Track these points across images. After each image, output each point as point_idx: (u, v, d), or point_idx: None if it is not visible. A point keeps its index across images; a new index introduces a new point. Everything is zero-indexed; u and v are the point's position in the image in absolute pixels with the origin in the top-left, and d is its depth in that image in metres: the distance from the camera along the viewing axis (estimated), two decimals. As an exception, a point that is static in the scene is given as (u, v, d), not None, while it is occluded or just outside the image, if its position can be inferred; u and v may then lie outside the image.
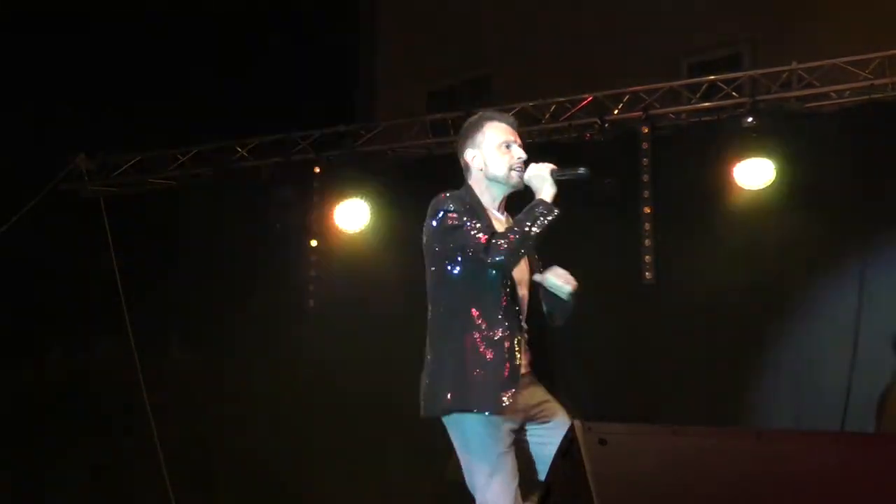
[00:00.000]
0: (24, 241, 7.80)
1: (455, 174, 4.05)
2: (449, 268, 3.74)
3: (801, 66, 6.88)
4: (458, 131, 4.09)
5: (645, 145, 7.06)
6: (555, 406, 3.85)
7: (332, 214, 7.77)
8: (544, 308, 3.92)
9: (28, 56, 7.99)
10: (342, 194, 7.69)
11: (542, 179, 3.78)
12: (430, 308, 3.83)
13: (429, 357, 3.77)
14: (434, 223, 3.76)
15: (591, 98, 7.29)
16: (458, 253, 3.72)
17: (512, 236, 3.65)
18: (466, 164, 3.93)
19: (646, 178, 7.01)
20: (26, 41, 8.00)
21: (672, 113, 7.26)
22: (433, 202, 3.80)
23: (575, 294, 3.83)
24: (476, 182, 3.90)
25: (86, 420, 8.06)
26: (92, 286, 8.16)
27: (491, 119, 3.95)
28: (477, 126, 3.94)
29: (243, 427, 8.05)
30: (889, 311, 6.53)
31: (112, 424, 8.12)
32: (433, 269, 3.79)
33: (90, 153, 8.38)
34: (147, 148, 8.33)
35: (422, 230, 3.86)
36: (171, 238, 8.21)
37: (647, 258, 6.96)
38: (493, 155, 3.87)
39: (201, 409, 8.17)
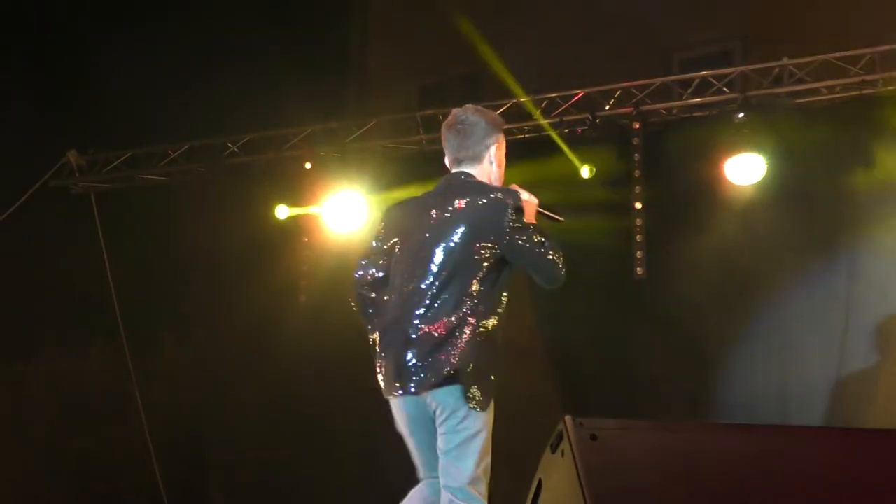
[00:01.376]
0: (14, 237, 7.77)
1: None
2: (499, 261, 3.70)
3: (792, 61, 6.89)
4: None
5: (636, 141, 7.08)
6: None
7: (325, 210, 7.77)
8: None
9: (20, 52, 7.96)
10: (334, 190, 7.69)
11: (531, 209, 3.85)
12: (464, 284, 3.66)
13: (464, 336, 3.62)
14: (518, 215, 3.71)
15: (582, 94, 7.30)
16: (533, 251, 3.71)
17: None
18: (481, 153, 3.90)
19: (637, 173, 7.03)
20: (19, 38, 7.97)
21: (663, 108, 7.27)
22: (507, 194, 3.75)
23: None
24: (482, 176, 3.90)
25: (77, 416, 8.05)
26: (83, 282, 8.14)
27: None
28: (501, 128, 3.97)
29: (235, 423, 8.05)
30: (877, 304, 6.57)
31: (103, 420, 8.11)
32: (491, 252, 3.69)
33: (81, 149, 8.36)
34: (138, 144, 8.32)
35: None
36: (162, 234, 8.20)
37: (639, 254, 6.97)
38: (501, 164, 3.93)
39: (193, 406, 8.16)
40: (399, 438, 3.79)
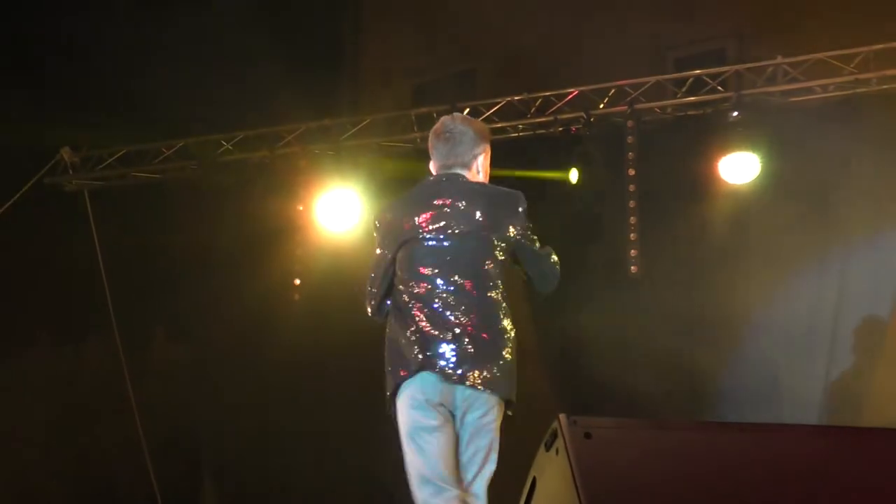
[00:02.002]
0: (7, 234, 7.76)
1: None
2: (505, 260, 3.77)
3: (786, 60, 6.91)
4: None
5: (630, 139, 7.08)
6: None
7: (317, 208, 7.76)
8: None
9: (14, 50, 7.94)
10: (328, 188, 7.68)
11: None
12: (488, 286, 3.70)
13: (504, 337, 3.67)
14: (525, 218, 3.80)
15: (576, 92, 7.30)
16: (544, 252, 3.84)
17: None
18: (469, 162, 3.91)
19: (631, 171, 7.03)
20: (14, 35, 7.95)
21: (657, 107, 7.27)
22: (519, 195, 3.83)
23: None
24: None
25: (72, 414, 8.04)
26: (77, 280, 8.12)
27: None
28: (488, 138, 4.00)
29: (229, 421, 8.04)
30: (869, 304, 6.59)
31: (98, 419, 8.09)
32: (505, 253, 3.76)
33: (74, 146, 8.35)
34: (132, 141, 8.31)
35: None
36: (156, 231, 8.18)
37: (633, 252, 6.98)
38: (487, 174, 3.96)
39: (186, 404, 8.15)
40: (395, 437, 3.78)
